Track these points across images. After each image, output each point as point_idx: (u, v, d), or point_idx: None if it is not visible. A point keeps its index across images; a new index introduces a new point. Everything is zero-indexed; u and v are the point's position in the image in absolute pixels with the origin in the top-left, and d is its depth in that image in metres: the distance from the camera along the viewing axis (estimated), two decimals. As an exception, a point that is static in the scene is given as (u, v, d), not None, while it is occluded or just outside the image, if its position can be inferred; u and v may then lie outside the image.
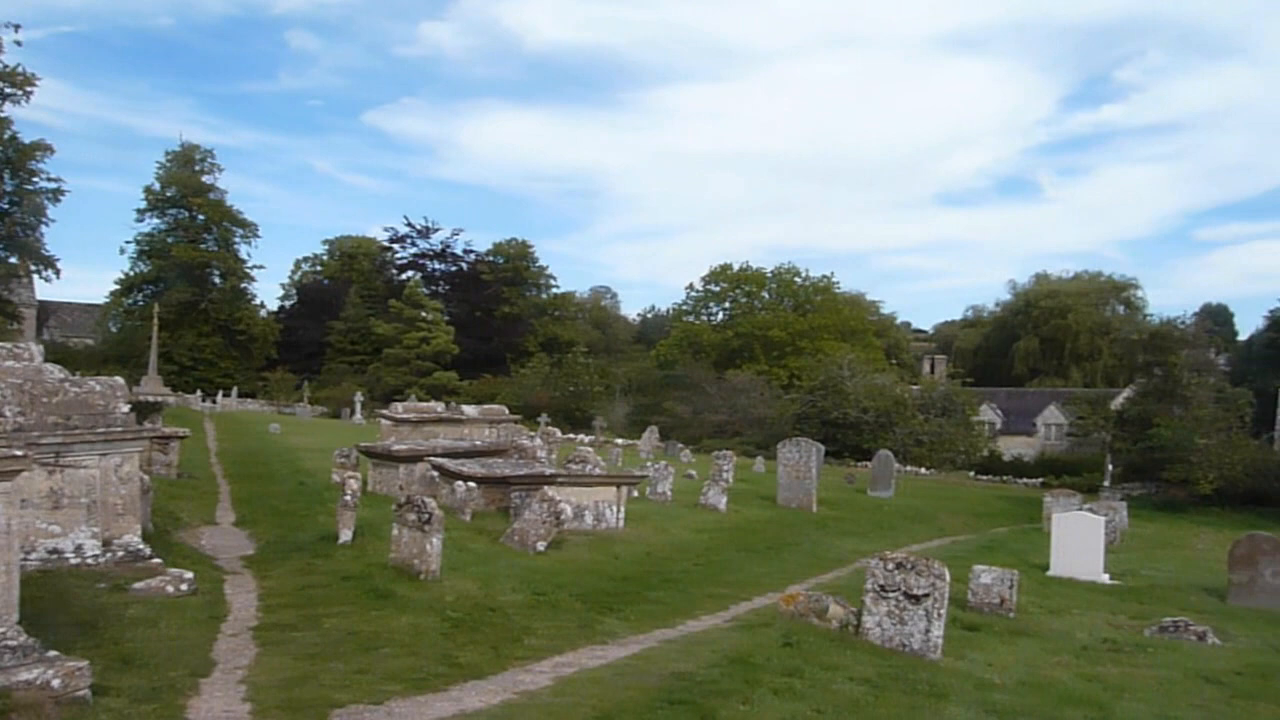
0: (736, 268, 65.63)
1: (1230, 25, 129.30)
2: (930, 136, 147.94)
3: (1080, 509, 17.33)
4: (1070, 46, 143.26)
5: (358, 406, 45.97)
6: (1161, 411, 30.47)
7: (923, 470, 40.08)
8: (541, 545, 11.47)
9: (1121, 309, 72.22)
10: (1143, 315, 67.47)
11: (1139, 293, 73.87)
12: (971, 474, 43.18)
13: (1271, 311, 55.80)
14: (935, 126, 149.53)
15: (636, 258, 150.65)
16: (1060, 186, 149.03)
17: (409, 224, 71.38)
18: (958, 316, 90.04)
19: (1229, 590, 12.74)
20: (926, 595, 7.38)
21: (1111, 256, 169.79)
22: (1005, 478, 43.53)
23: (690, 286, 67.66)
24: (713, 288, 66.37)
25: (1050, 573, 13.73)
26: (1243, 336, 76.79)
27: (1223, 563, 13.29)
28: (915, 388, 48.35)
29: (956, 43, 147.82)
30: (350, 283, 67.57)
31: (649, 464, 21.78)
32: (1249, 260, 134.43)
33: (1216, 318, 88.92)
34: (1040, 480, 40.02)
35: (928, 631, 7.43)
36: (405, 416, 18.07)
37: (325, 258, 76.45)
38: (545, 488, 12.50)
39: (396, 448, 15.53)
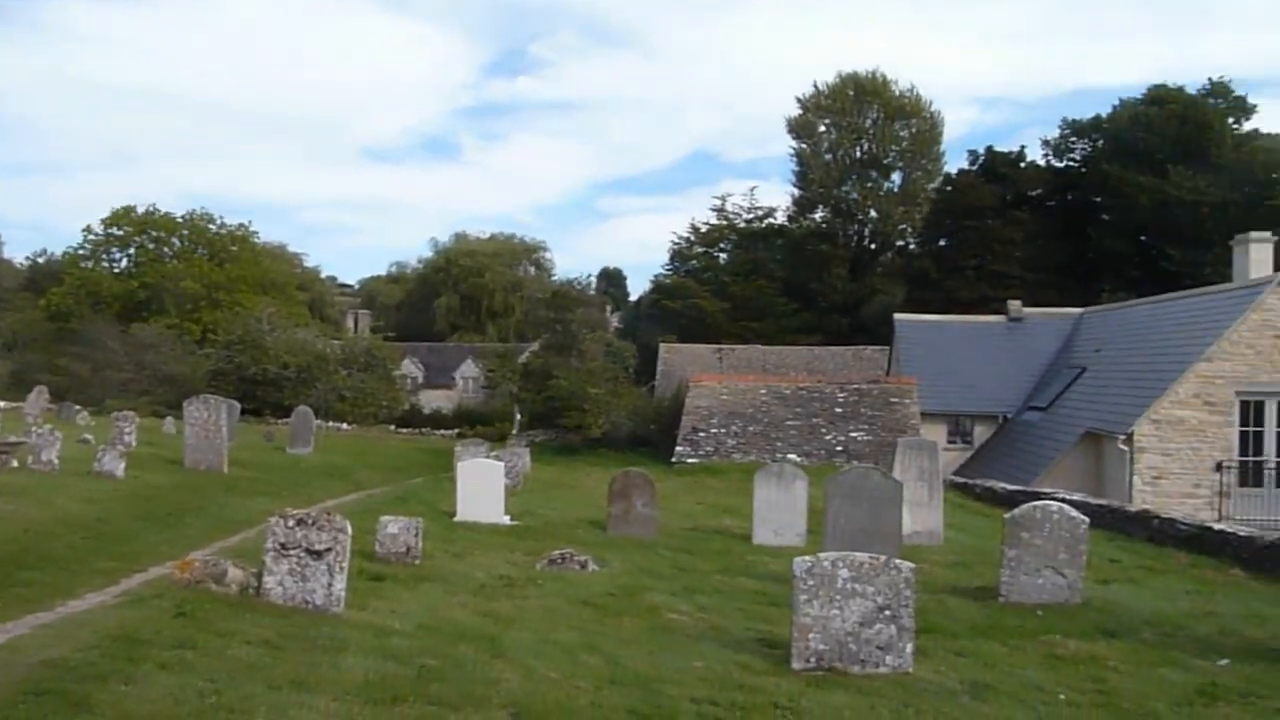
0: (142, 210, 59.77)
1: (631, 17, 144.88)
2: (356, 90, 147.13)
3: (486, 456, 18.52)
4: (492, 16, 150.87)
5: None
6: (560, 364, 33.58)
7: (344, 425, 40.13)
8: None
9: (532, 269, 78.34)
10: (550, 276, 73.87)
11: (548, 255, 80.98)
12: (393, 428, 44.19)
13: (656, 276, 64.42)
14: (361, 80, 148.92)
15: (24, 194, 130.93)
16: (481, 150, 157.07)
17: None
18: (383, 272, 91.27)
19: (608, 521, 14.43)
20: (329, 550, 7.38)
21: (525, 220, 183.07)
22: (425, 430, 45.23)
23: (88, 229, 60.34)
24: (115, 231, 59.77)
25: (457, 518, 14.50)
26: (634, 297, 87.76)
27: (606, 497, 14.97)
28: (338, 343, 48.07)
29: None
30: None
31: (34, 429, 19.16)
32: (640, 230, 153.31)
33: (613, 280, 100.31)
34: (457, 431, 42.20)
35: (330, 586, 7.44)
36: None
37: None
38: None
39: None
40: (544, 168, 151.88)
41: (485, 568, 10.79)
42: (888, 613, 6.81)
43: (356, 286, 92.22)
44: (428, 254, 79.97)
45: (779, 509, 13.73)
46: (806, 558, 7.01)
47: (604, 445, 31.28)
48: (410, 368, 59.45)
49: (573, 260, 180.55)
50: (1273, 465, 23.89)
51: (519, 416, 41.34)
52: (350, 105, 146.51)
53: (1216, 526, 13.63)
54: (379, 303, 78.15)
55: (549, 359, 34.77)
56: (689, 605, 9.23)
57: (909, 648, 6.84)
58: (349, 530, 7.55)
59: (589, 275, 49.84)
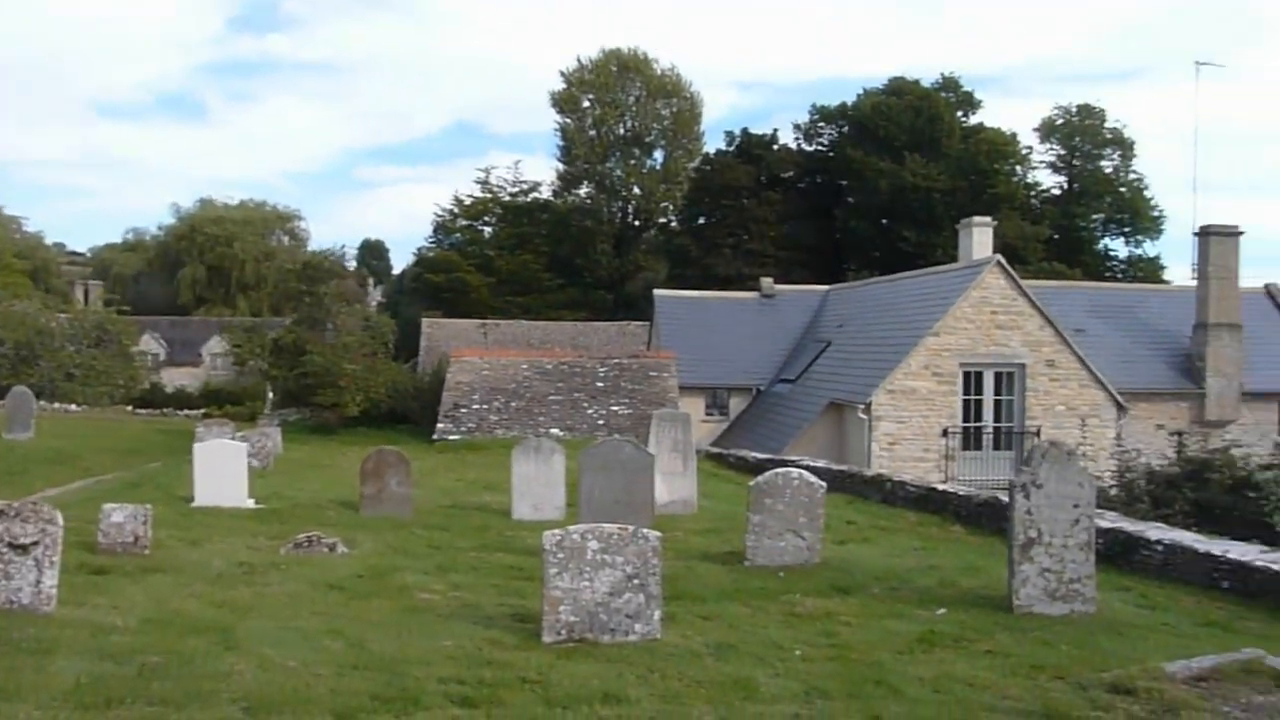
0: None
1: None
2: (82, 37, 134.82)
3: (233, 437, 17.52)
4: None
5: None
6: (314, 339, 32.21)
7: (73, 406, 37.00)
8: None
9: (286, 239, 74.70)
10: (305, 246, 70.67)
11: (303, 224, 77.41)
12: (130, 408, 41.14)
13: (419, 249, 62.93)
14: (87, 26, 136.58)
15: None
16: (229, 111, 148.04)
17: None
18: (118, 240, 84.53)
19: (361, 502, 13.96)
20: (35, 543, 6.73)
21: (280, 186, 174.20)
22: (167, 411, 42.36)
23: None
24: None
25: (195, 504, 13.63)
26: (397, 270, 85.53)
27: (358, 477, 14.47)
28: (65, 316, 44.13)
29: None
30: None
31: None
32: (403, 202, 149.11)
33: (375, 252, 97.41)
34: (203, 411, 39.76)
35: (39, 583, 6.78)
36: None
37: None
38: None
39: None
40: (299, 132, 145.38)
41: (224, 555, 10.19)
42: (636, 581, 6.91)
43: (88, 255, 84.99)
44: (170, 221, 74.57)
45: (538, 483, 13.73)
46: (556, 531, 7.01)
47: (363, 424, 30.32)
48: (151, 344, 55.60)
49: (332, 231, 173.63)
50: (990, 430, 26.16)
51: (271, 395, 39.42)
52: (77, 55, 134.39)
53: (941, 487, 14.75)
54: (114, 273, 72.36)
55: (301, 334, 33.21)
56: (442, 584, 9.05)
57: (657, 615, 6.98)
58: (60, 521, 6.91)
59: (344, 246, 48.09)
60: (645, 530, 7.12)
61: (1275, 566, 8.67)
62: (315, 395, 30.20)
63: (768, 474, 9.92)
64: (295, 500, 15.07)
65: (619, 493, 11.34)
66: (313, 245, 67.43)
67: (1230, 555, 9.15)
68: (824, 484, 10.03)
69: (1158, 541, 9.90)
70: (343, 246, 45.88)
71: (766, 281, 38.43)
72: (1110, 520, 10.70)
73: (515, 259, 53.54)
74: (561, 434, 23.42)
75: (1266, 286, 33.39)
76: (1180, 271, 75.78)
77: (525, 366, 29.08)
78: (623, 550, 6.91)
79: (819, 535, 9.87)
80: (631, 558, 6.92)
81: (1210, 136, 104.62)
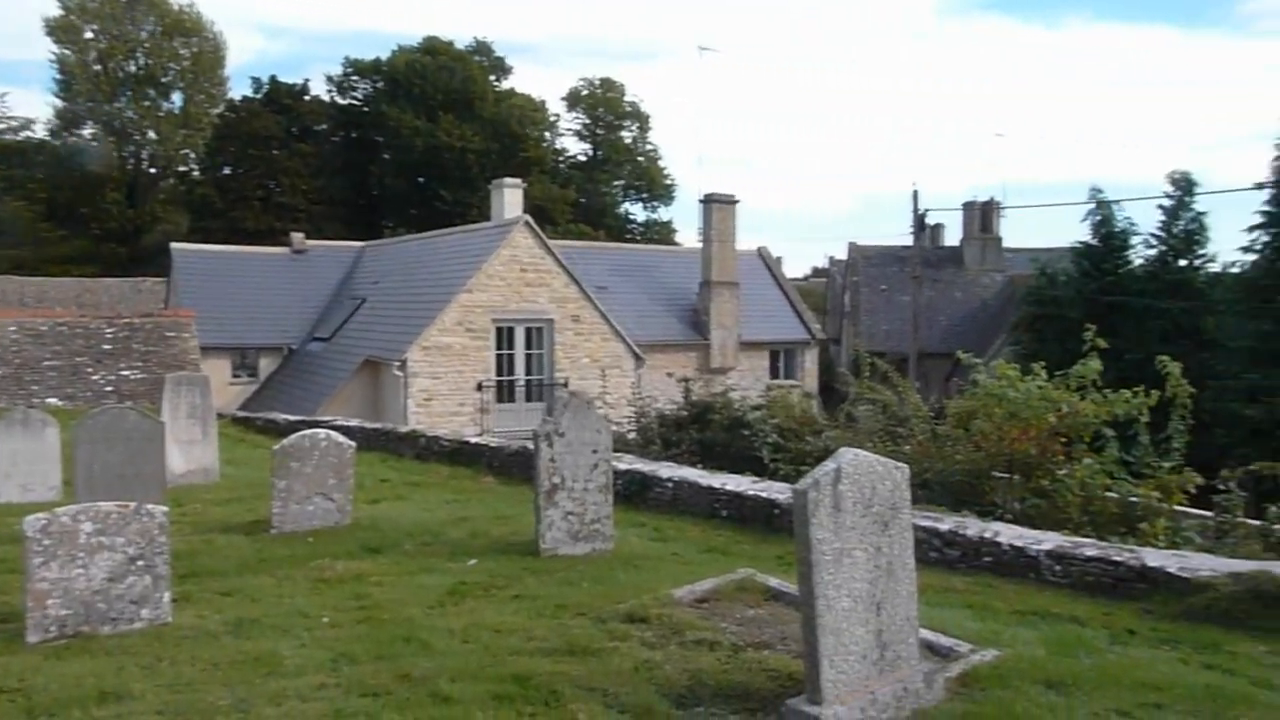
0: None
1: None
2: None
3: None
4: None
5: None
6: None
7: None
8: None
9: None
10: None
11: None
12: None
13: None
14: None
15: None
16: None
17: None
18: None
19: None
20: None
21: None
22: None
23: None
24: None
25: None
26: None
27: None
28: None
29: None
30: None
31: None
32: None
33: None
34: None
35: None
36: None
37: None
38: None
39: None
40: None
41: None
42: (141, 563, 6.25)
43: None
44: None
45: (28, 460, 12.01)
46: (40, 515, 6.12)
47: None
48: None
49: None
50: (522, 383, 27.22)
51: None
52: None
53: (474, 440, 15.03)
54: None
55: None
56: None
57: (167, 597, 6.37)
58: None
59: None
60: (150, 506, 6.45)
61: (764, 494, 9.85)
62: None
63: (294, 436, 9.46)
64: None
65: (124, 466, 10.21)
66: None
67: (728, 487, 10.24)
68: (354, 444, 9.77)
69: (668, 479, 10.84)
70: None
71: (298, 237, 36.80)
72: (627, 462, 11.52)
73: (4, 206, 46.41)
74: (61, 403, 20.79)
75: (759, 249, 37.93)
76: (689, 235, 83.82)
77: (13, 328, 25.30)
78: (123, 530, 6.21)
79: (349, 496, 9.61)
80: (134, 537, 6.24)
81: (714, 113, 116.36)
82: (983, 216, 41.51)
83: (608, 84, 63.25)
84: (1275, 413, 24.37)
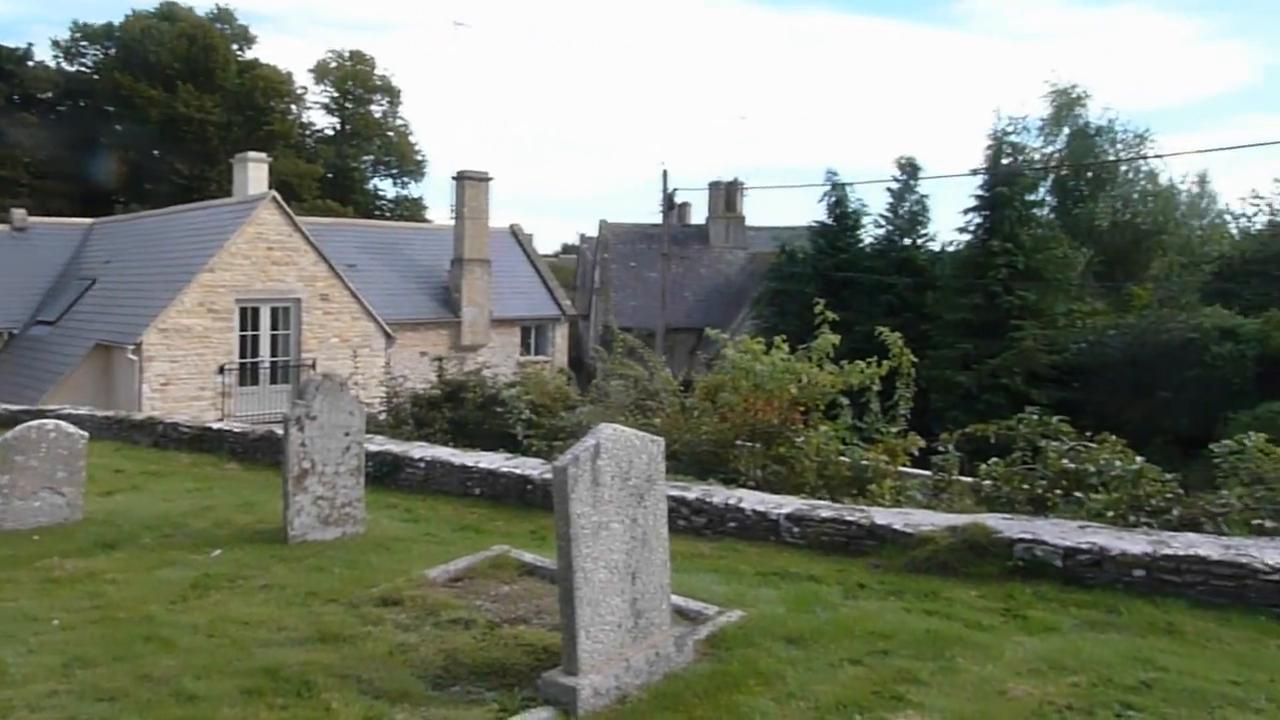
0: None
1: None
2: None
3: None
4: None
5: None
6: None
7: None
8: None
9: None
10: None
11: None
12: None
13: None
14: None
15: None
16: None
17: None
18: None
19: None
20: None
21: None
22: None
23: None
24: None
25: None
26: None
27: None
28: None
29: None
30: None
31: None
32: None
33: None
34: None
35: None
36: None
37: None
38: None
39: None
40: None
41: None
42: None
43: None
44: None
45: None
46: None
47: None
48: None
49: None
50: (267, 365, 26.04)
51: None
52: None
53: (216, 425, 14.24)
54: None
55: None
56: None
57: None
58: None
59: None
60: None
61: (518, 471, 9.91)
62: None
63: (18, 428, 8.66)
64: None
65: None
66: None
67: (481, 465, 10.23)
68: (86, 434, 9.06)
69: (421, 459, 10.71)
70: None
71: (19, 213, 33.43)
72: (379, 444, 11.27)
73: None
74: None
75: (511, 226, 37.86)
76: (441, 212, 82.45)
77: None
78: None
79: (81, 489, 8.91)
80: None
81: (467, 89, 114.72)
82: (727, 196, 43.26)
83: (357, 56, 61.11)
84: (984, 379, 26.86)
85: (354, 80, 60.73)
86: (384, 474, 10.65)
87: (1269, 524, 7.20)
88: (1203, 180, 44.69)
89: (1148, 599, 6.31)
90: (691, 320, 36.80)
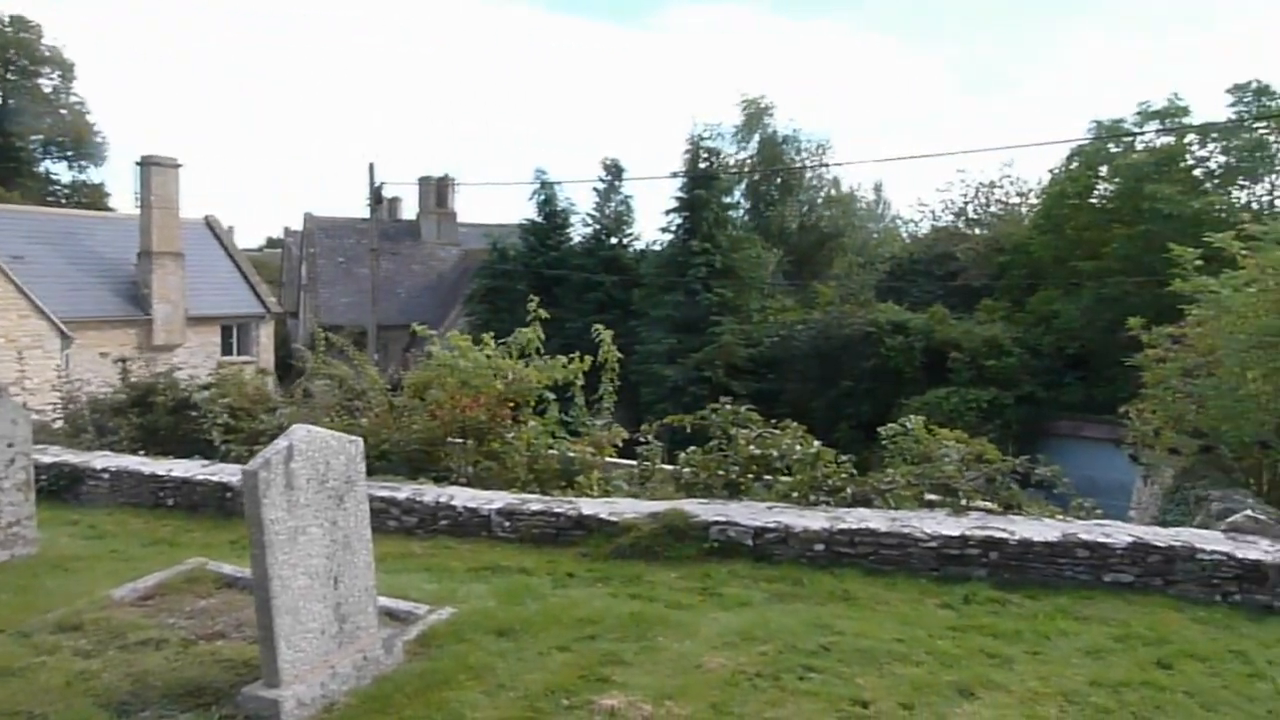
0: None
1: None
2: None
3: None
4: None
5: None
6: None
7: None
8: None
9: None
10: None
11: None
12: None
13: None
14: None
15: None
16: None
17: None
18: None
19: None
20: None
21: None
22: None
23: None
24: None
25: None
26: None
27: None
28: None
29: None
30: None
31: None
32: None
33: None
34: None
35: None
36: None
37: None
38: None
39: None
40: None
41: None
42: None
43: None
44: None
45: None
46: None
47: None
48: None
49: None
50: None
51: None
52: None
53: None
54: None
55: None
56: None
57: None
58: None
59: None
60: None
61: (215, 478, 9.38)
62: None
63: None
64: None
65: None
66: None
67: (175, 473, 9.60)
68: None
69: (104, 470, 9.90)
70: None
71: None
72: (54, 455, 10.33)
73: None
74: None
75: (206, 218, 35.48)
76: (126, 200, 75.90)
77: None
78: None
79: None
80: None
81: (156, 69, 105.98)
82: (438, 192, 42.71)
83: (20, 23, 54.93)
84: (689, 372, 28.15)
85: (16, 49, 54.55)
86: (62, 488, 9.78)
87: (933, 497, 8.07)
88: (878, 188, 49.33)
89: (827, 570, 6.93)
90: (405, 317, 35.88)
